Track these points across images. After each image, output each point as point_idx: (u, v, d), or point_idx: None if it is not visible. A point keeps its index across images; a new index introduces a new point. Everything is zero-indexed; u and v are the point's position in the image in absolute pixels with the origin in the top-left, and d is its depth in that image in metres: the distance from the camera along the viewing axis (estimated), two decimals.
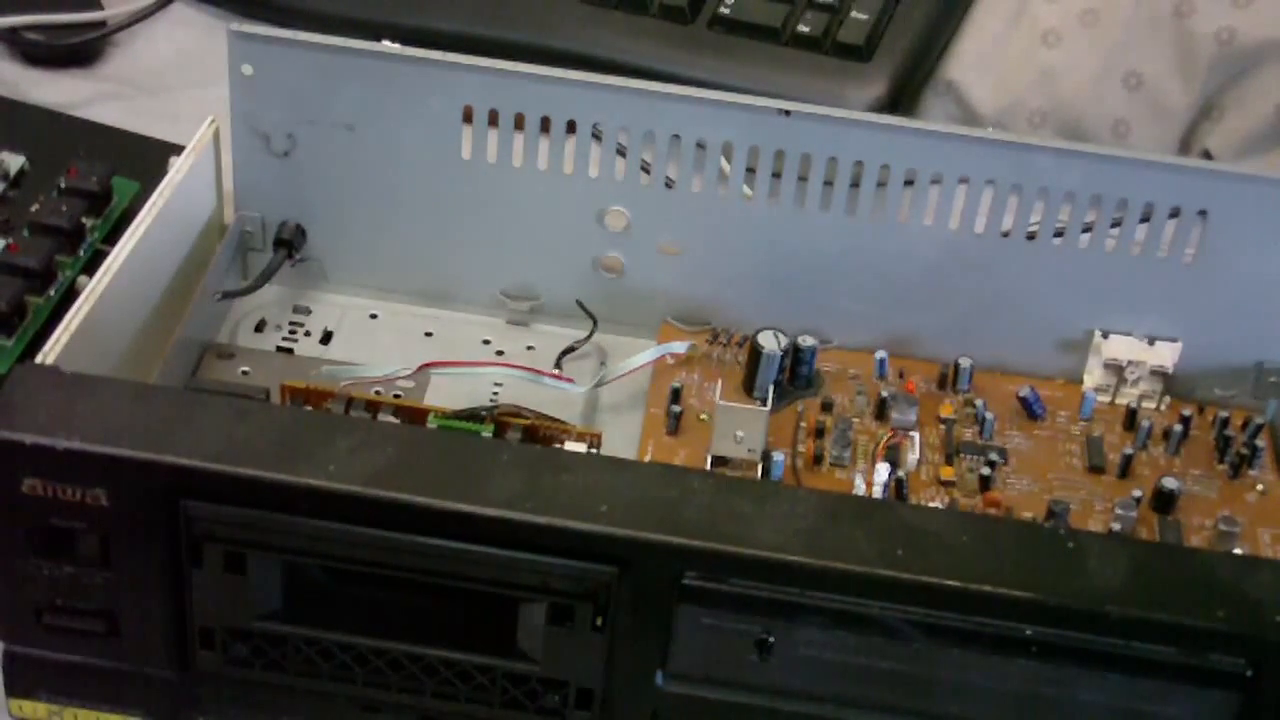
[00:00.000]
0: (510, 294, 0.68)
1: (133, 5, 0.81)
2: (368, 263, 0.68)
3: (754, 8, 0.78)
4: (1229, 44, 0.75)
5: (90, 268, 0.64)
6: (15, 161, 0.69)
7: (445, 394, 0.63)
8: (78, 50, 0.80)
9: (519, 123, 0.64)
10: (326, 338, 0.67)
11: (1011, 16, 0.78)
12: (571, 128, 0.63)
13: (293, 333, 0.67)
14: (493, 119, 0.64)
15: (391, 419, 0.56)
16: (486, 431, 0.56)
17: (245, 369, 0.64)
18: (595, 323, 0.66)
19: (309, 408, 0.58)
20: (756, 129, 0.63)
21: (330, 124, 0.64)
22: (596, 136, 0.63)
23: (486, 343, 0.67)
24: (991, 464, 0.61)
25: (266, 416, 0.50)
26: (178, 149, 0.65)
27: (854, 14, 0.78)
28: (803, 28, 0.77)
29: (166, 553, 0.49)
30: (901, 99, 0.77)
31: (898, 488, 0.60)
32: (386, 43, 0.63)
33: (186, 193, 0.63)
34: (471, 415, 0.56)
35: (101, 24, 0.81)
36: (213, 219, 0.67)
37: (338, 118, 0.64)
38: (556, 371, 0.64)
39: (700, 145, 0.63)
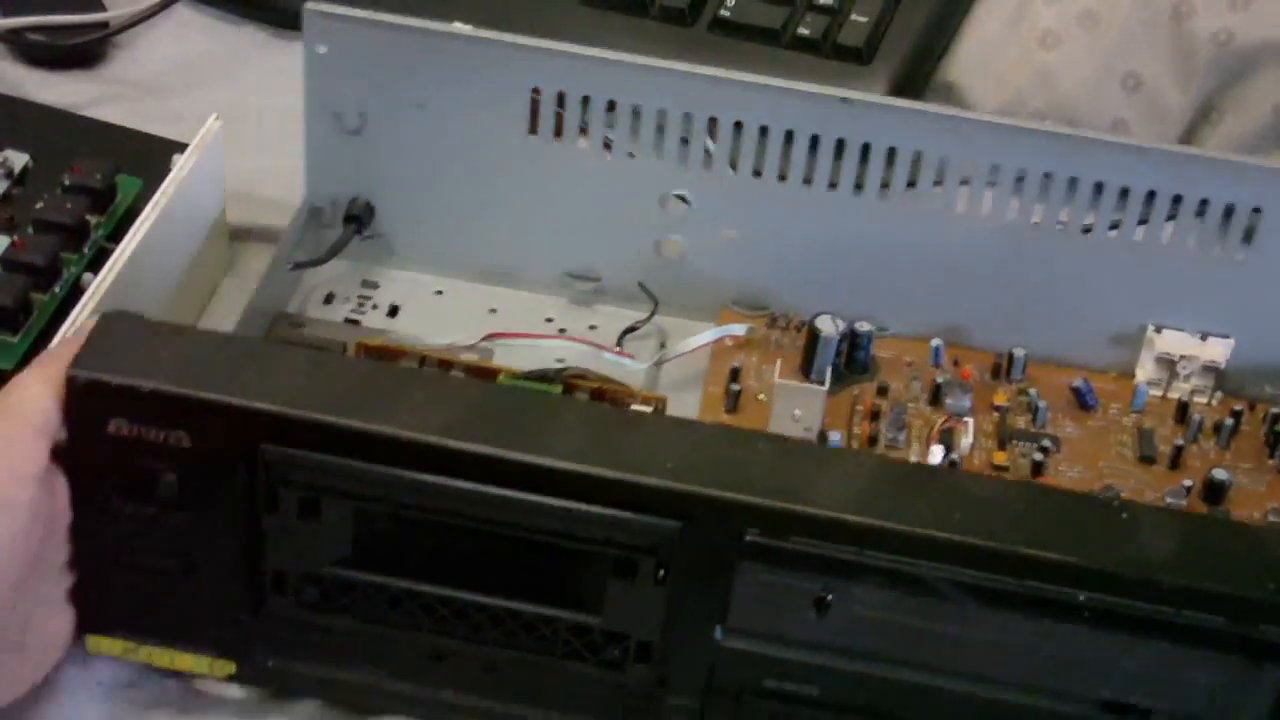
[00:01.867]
0: (573, 274, 0.69)
1: (135, 6, 0.82)
2: (434, 240, 0.69)
3: (754, 10, 0.78)
4: (1227, 45, 0.76)
5: (95, 265, 0.63)
6: (19, 159, 0.69)
7: (509, 364, 0.64)
8: (80, 51, 0.81)
9: (585, 105, 0.65)
10: (394, 311, 0.68)
11: (1010, 18, 0.79)
12: (637, 112, 0.65)
13: (360, 306, 0.68)
14: (560, 101, 0.65)
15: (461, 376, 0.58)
16: (555, 391, 0.57)
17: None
18: (656, 304, 0.68)
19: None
20: (817, 117, 0.64)
21: (401, 103, 0.66)
22: (660, 122, 0.65)
23: (549, 320, 0.68)
24: (1044, 450, 0.62)
25: (343, 368, 0.51)
26: (181, 146, 0.66)
27: (854, 16, 0.78)
28: (803, 30, 0.77)
29: (243, 496, 0.50)
30: None
31: (951, 470, 0.61)
32: (458, 24, 0.65)
33: (190, 190, 0.64)
34: (540, 376, 0.57)
35: (104, 25, 0.81)
36: (217, 216, 0.68)
37: (408, 97, 0.66)
38: (618, 348, 0.65)
39: (763, 131, 0.65)
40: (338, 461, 0.49)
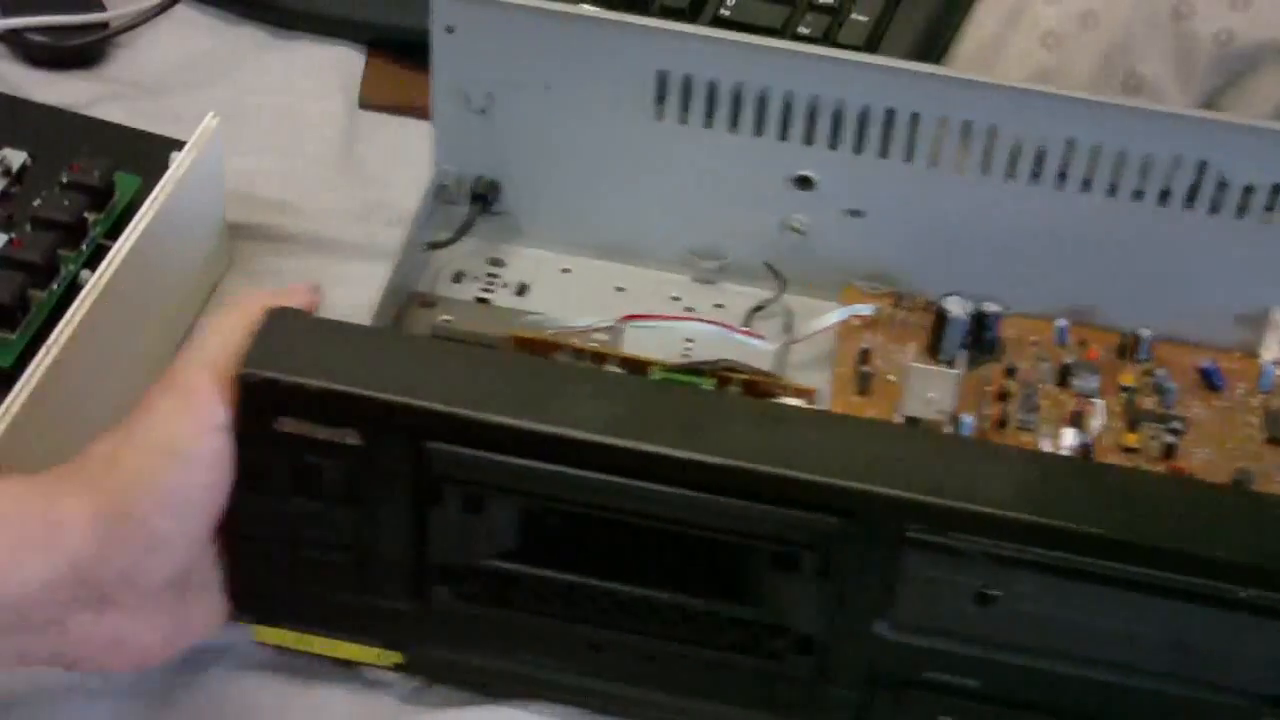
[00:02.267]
0: (698, 252, 0.70)
1: (135, 7, 0.82)
2: (560, 218, 0.70)
3: (755, 9, 0.78)
4: (1228, 45, 0.75)
5: (92, 263, 0.63)
6: (17, 158, 0.68)
7: (640, 346, 0.65)
8: (81, 52, 0.81)
9: (712, 86, 0.65)
10: (522, 290, 0.69)
11: (1011, 18, 0.78)
12: (763, 95, 0.65)
13: (490, 284, 0.69)
14: (686, 82, 0.65)
15: (616, 370, 0.58)
16: (708, 384, 0.58)
17: (446, 317, 0.66)
18: (784, 283, 0.68)
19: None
20: (944, 100, 0.64)
21: (528, 83, 0.66)
22: (787, 102, 0.65)
23: (676, 299, 0.69)
24: (1174, 432, 0.63)
25: (505, 365, 0.52)
26: (179, 144, 0.66)
27: (854, 15, 0.77)
28: (803, 29, 0.77)
29: (409, 491, 0.51)
30: None
31: (1084, 452, 0.62)
32: (585, 5, 0.65)
33: (189, 188, 0.64)
34: (692, 369, 0.58)
35: (104, 25, 0.81)
36: (215, 213, 0.69)
37: (535, 77, 0.66)
38: (748, 329, 0.66)
39: (889, 113, 0.65)
40: (502, 459, 0.50)
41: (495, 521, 0.51)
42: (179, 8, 0.83)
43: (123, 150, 0.70)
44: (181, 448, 0.50)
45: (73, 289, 0.63)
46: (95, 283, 0.59)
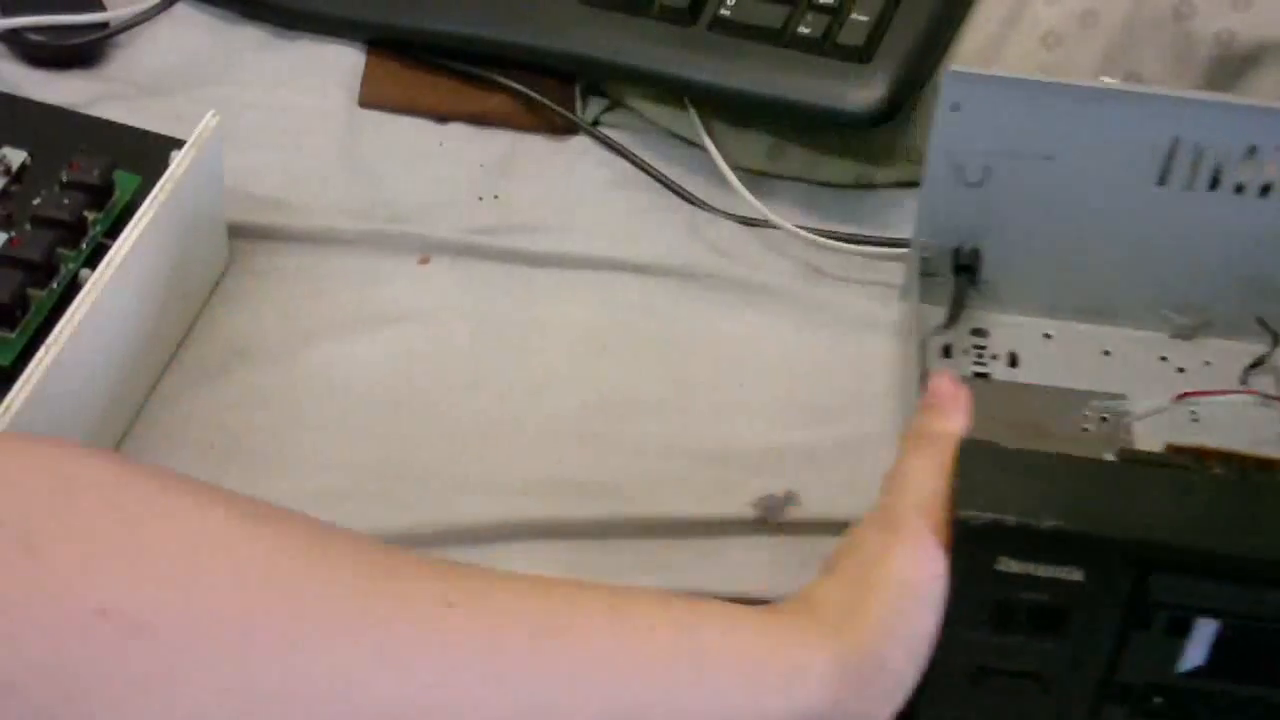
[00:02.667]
0: (1177, 308, 0.69)
1: (135, 6, 0.81)
2: (1040, 283, 0.69)
3: (754, 9, 0.77)
4: (1229, 45, 0.75)
5: (92, 261, 0.64)
6: (17, 156, 0.68)
7: (1210, 426, 0.65)
8: (80, 51, 0.80)
9: (1223, 151, 0.65)
10: (1013, 360, 0.68)
11: (1011, 18, 0.78)
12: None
13: (980, 357, 0.68)
14: (1197, 148, 0.65)
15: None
16: None
17: None
18: (1276, 338, 0.68)
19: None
20: None
21: (1029, 155, 0.66)
22: None
23: (1163, 359, 0.69)
24: None
25: (1207, 487, 0.52)
26: (179, 143, 0.66)
27: (854, 15, 0.76)
28: (803, 29, 0.76)
29: (1117, 619, 0.51)
30: (901, 102, 0.76)
31: None
32: (1105, 78, 0.64)
33: (188, 187, 0.64)
34: None
35: (104, 25, 0.81)
36: (214, 212, 0.69)
37: (1038, 148, 0.65)
38: None
39: None
40: (1218, 586, 0.50)
41: (1194, 641, 0.52)
42: (178, 7, 0.82)
43: (122, 149, 0.69)
44: (921, 592, 0.50)
45: (73, 288, 0.63)
46: (95, 281, 0.59)
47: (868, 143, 0.77)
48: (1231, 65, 0.75)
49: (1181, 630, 0.51)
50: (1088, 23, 0.76)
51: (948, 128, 0.65)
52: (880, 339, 0.70)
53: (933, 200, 0.67)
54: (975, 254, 0.69)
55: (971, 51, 0.77)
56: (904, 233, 0.73)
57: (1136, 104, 0.64)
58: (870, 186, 0.78)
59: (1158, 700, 0.53)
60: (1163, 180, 0.66)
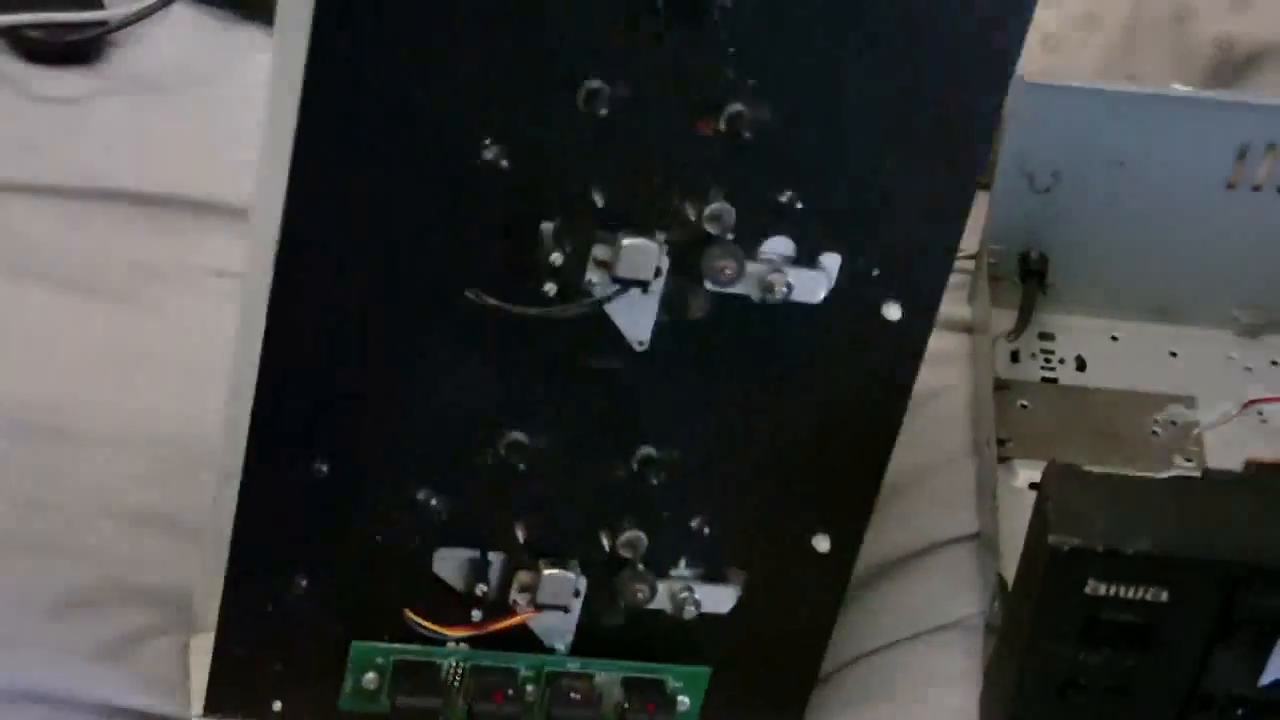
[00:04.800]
0: (1243, 307, 0.70)
1: (134, 5, 0.81)
2: (1103, 285, 0.70)
3: None
4: (1228, 48, 0.76)
5: None
6: None
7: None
8: (79, 48, 0.80)
9: None
10: (1081, 364, 0.69)
11: None
12: None
13: (1048, 361, 0.69)
14: (1271, 149, 0.66)
15: None
16: None
17: (1023, 402, 0.67)
18: None
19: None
20: None
21: (1099, 161, 0.66)
22: None
23: (1231, 358, 0.70)
24: None
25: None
26: None
27: None
28: None
29: (1202, 635, 0.52)
30: None
31: None
32: (1177, 85, 0.65)
33: None
34: None
35: (103, 23, 0.81)
36: None
37: (1109, 155, 0.66)
38: None
39: None
40: None
41: (1277, 654, 0.53)
42: (177, 5, 0.82)
43: None
44: None
45: None
46: None
47: None
48: (1231, 68, 0.76)
49: (1265, 644, 0.52)
50: (1087, 26, 0.76)
51: (1018, 136, 0.66)
52: None
53: (1002, 207, 0.68)
54: (1043, 259, 0.69)
55: None
56: None
57: (1207, 109, 0.65)
58: None
59: (1240, 712, 0.54)
60: (1232, 183, 0.67)
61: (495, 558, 0.52)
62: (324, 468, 0.50)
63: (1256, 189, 0.67)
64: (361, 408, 0.50)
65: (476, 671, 0.54)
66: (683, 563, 0.53)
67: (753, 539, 0.54)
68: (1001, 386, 0.67)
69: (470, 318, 0.49)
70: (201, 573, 0.54)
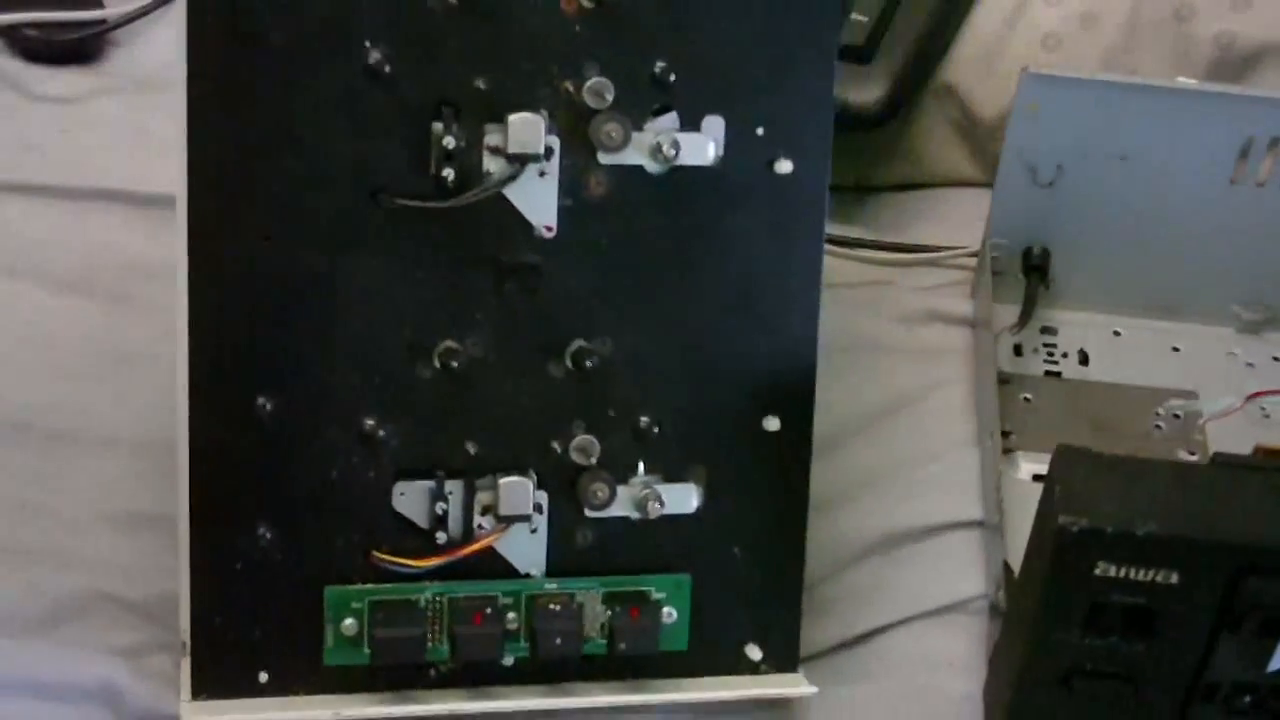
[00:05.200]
0: (1245, 303, 0.70)
1: (133, 4, 0.82)
2: (1109, 281, 0.70)
3: None
4: (1229, 47, 0.76)
5: None
6: None
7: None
8: (78, 47, 0.81)
9: None
10: (1084, 359, 0.69)
11: (1011, 19, 0.78)
12: None
13: (1050, 355, 0.69)
14: (1274, 144, 0.66)
15: None
16: None
17: (1026, 395, 0.67)
18: None
19: None
20: None
21: (1102, 155, 0.66)
22: None
23: (1232, 354, 0.70)
24: None
25: None
26: None
27: (854, 16, 0.77)
28: None
29: (1208, 621, 0.52)
30: (901, 102, 0.77)
31: None
32: (1182, 79, 0.65)
33: None
34: None
35: (102, 21, 0.82)
36: None
37: (1113, 149, 0.66)
38: None
39: None
40: None
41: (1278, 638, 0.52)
42: (177, 4, 0.81)
43: None
44: None
45: None
46: None
47: (868, 143, 0.77)
48: (1231, 66, 0.76)
49: (1272, 631, 0.52)
50: (1088, 24, 0.76)
51: (1022, 129, 0.66)
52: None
53: (1005, 201, 0.68)
54: (1045, 254, 0.69)
55: (972, 53, 0.78)
56: (903, 236, 0.74)
57: (1212, 103, 0.65)
58: (870, 188, 0.78)
59: (1246, 699, 0.53)
60: (1235, 177, 0.67)
61: (454, 485, 0.53)
62: (267, 404, 0.51)
63: (1260, 185, 0.67)
64: (292, 336, 0.51)
65: (454, 604, 0.54)
66: (640, 469, 0.54)
67: (704, 431, 0.54)
68: (1005, 380, 0.67)
69: (384, 230, 0.51)
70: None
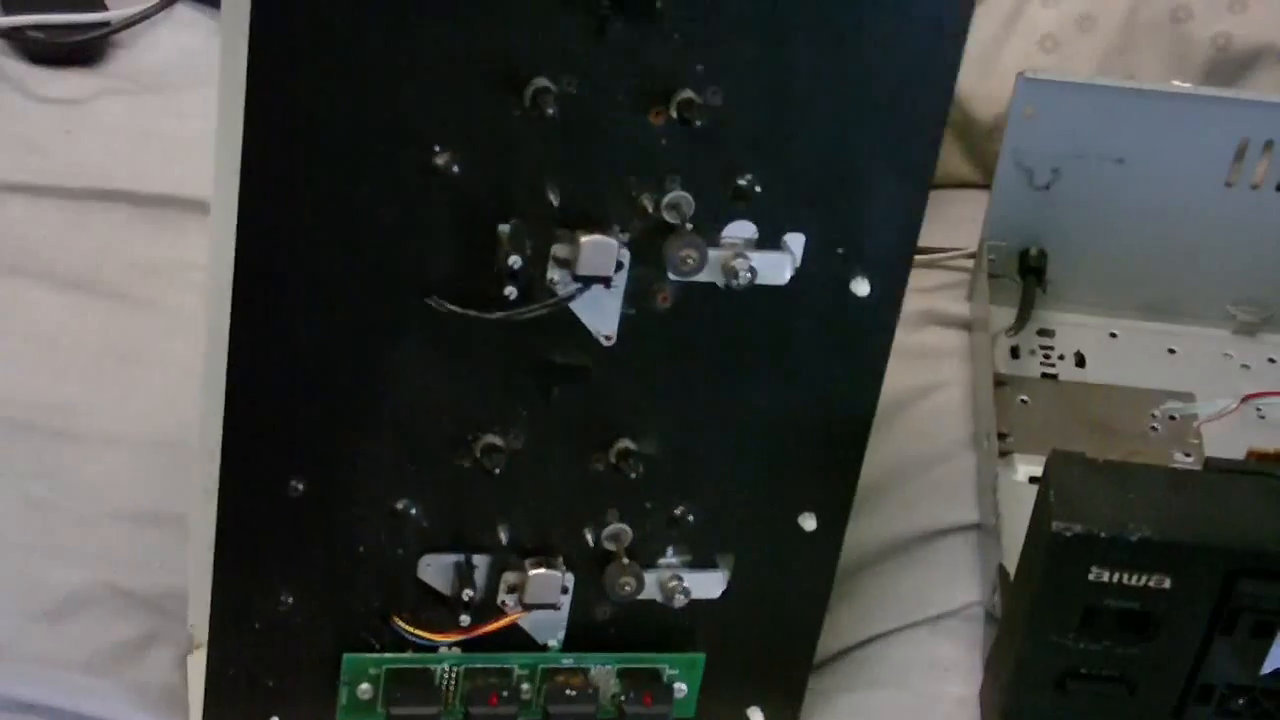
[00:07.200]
0: (1240, 305, 0.71)
1: (136, 6, 0.82)
2: (1104, 283, 0.71)
3: None
4: (1225, 49, 0.76)
5: None
6: None
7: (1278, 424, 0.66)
8: (82, 49, 0.82)
9: None
10: (1080, 360, 0.69)
11: (1009, 21, 0.78)
12: None
13: (1047, 357, 0.69)
14: (1269, 146, 0.66)
15: None
16: None
17: (1023, 397, 0.67)
18: None
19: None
20: None
21: (1099, 158, 0.67)
22: None
23: (1228, 355, 0.70)
24: None
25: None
26: None
27: None
28: None
29: (1202, 623, 0.52)
30: None
31: None
32: (1176, 82, 0.65)
33: None
34: None
35: (105, 24, 0.82)
36: None
37: (1109, 152, 0.67)
38: None
39: None
40: None
41: (1278, 644, 0.53)
42: (179, 7, 0.83)
43: None
44: None
45: None
46: None
47: None
48: (1228, 68, 0.76)
49: (1266, 633, 0.52)
50: (1085, 26, 0.76)
51: (1018, 132, 0.66)
52: None
53: (1002, 204, 0.69)
54: (1042, 256, 0.70)
55: (969, 54, 0.76)
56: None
57: (1207, 107, 0.66)
58: None
59: (1240, 702, 0.54)
60: (1230, 180, 0.67)
61: (480, 560, 0.52)
62: (300, 486, 0.49)
63: (1255, 187, 0.67)
64: (332, 423, 0.49)
65: (471, 675, 0.53)
66: (669, 551, 0.53)
67: (738, 523, 0.53)
68: (1001, 382, 0.67)
69: (434, 324, 0.48)
70: (192, 590, 0.54)
